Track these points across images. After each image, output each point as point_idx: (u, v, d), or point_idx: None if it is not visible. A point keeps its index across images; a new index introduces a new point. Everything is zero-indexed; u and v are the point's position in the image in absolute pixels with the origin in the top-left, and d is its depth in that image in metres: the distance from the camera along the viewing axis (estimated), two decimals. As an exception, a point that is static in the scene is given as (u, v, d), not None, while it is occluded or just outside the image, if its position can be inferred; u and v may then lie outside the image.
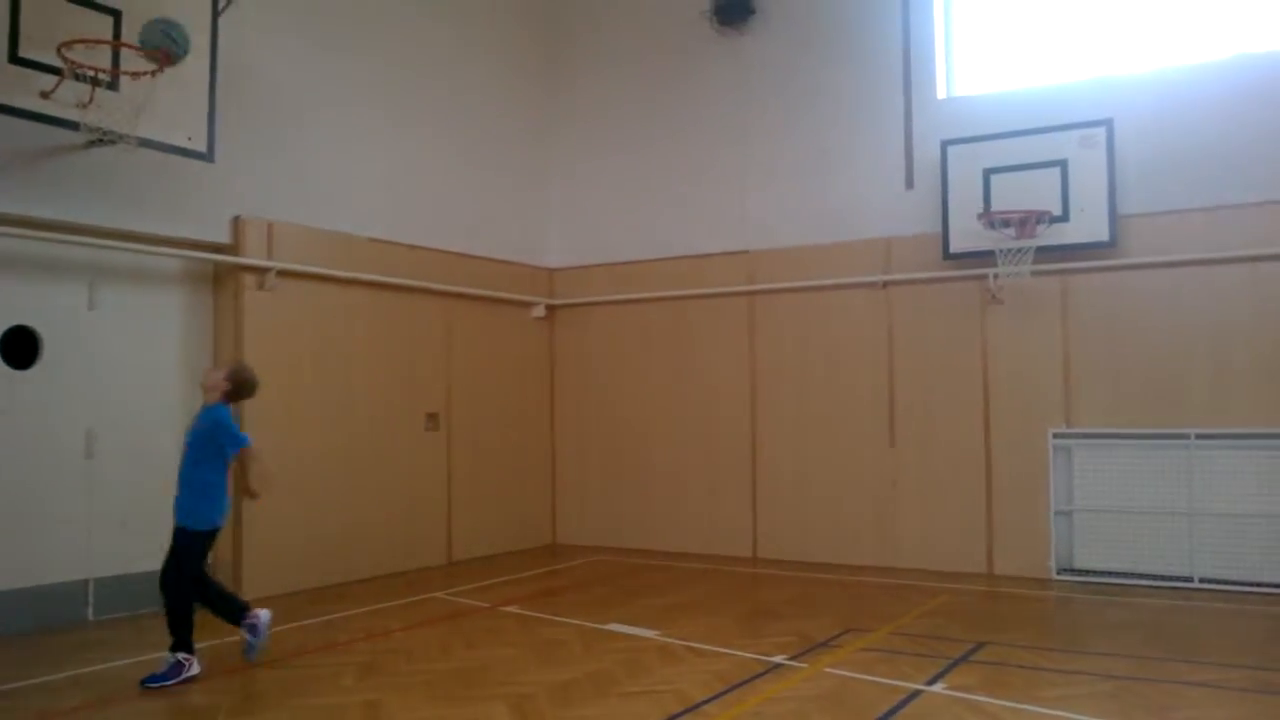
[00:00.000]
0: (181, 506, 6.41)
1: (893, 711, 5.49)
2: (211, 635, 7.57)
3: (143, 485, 8.42)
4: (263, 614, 6.62)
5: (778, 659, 6.64)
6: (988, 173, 9.73)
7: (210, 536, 6.50)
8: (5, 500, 7.54)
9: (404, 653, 6.95)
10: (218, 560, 8.84)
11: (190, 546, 6.42)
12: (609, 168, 12.39)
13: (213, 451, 6.40)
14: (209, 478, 6.40)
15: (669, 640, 7.21)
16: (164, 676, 6.15)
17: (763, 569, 10.46)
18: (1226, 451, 8.88)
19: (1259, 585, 8.63)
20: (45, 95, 7.20)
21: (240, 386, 6.60)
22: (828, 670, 6.38)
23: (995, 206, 9.59)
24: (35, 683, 6.22)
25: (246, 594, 8.66)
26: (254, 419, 8.84)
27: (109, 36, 7.34)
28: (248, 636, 6.55)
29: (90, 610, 8.03)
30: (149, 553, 8.41)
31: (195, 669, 6.25)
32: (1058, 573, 9.43)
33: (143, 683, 6.12)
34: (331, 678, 6.32)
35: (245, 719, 5.52)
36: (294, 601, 8.72)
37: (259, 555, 8.87)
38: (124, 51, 7.38)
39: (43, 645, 7.19)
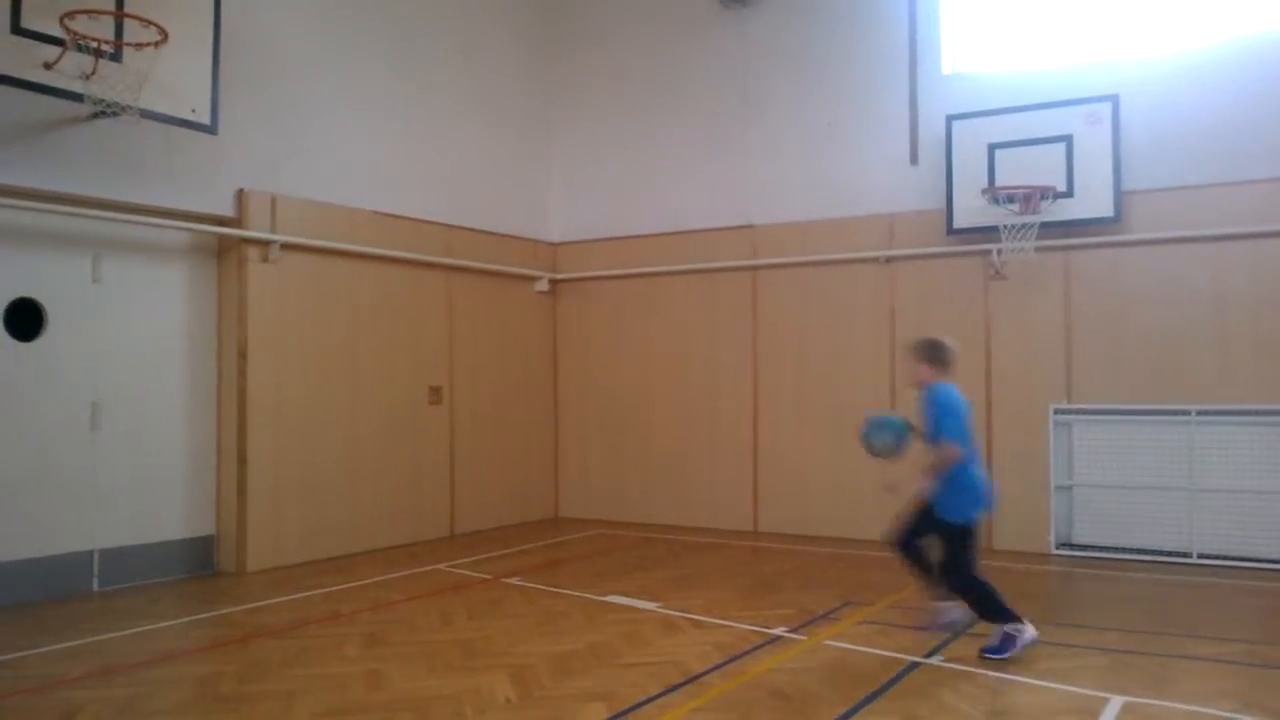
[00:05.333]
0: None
1: (891, 683, 5.54)
2: (231, 603, 7.65)
3: (147, 457, 8.48)
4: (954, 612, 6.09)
5: (777, 631, 6.69)
6: (993, 148, 9.69)
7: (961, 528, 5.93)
8: (11, 471, 7.59)
9: (407, 623, 7.00)
10: (220, 531, 8.93)
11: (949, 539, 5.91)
12: (612, 142, 12.35)
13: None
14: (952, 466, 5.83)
15: (669, 612, 7.26)
16: (998, 649, 5.84)
17: (763, 542, 10.51)
18: (1227, 428, 8.90)
19: (1258, 561, 8.67)
20: (48, 66, 7.18)
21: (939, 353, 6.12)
22: (827, 642, 6.43)
23: (1000, 182, 9.57)
24: (41, 652, 6.28)
25: (251, 565, 8.78)
26: (256, 393, 8.91)
27: (112, 7, 7.31)
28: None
29: (95, 581, 8.09)
30: (154, 524, 8.53)
31: (1028, 634, 5.86)
32: (1057, 547, 9.47)
33: (981, 651, 5.93)
34: (335, 648, 6.38)
35: (250, 687, 5.57)
36: (298, 573, 8.79)
37: (263, 528, 8.92)
38: (127, 22, 7.35)
39: (48, 615, 7.25)
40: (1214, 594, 7.90)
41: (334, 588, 8.23)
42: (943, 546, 5.98)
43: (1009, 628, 5.88)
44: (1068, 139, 9.40)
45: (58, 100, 7.35)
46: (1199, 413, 8.98)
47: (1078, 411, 9.53)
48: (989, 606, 5.93)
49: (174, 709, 5.29)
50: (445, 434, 10.90)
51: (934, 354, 6.14)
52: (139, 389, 8.44)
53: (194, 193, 8.59)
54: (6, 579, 7.49)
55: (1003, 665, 5.81)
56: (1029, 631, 5.90)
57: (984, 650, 5.92)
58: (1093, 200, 9.31)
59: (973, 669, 5.76)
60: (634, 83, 12.21)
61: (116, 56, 7.42)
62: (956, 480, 5.89)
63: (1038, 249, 9.45)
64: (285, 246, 9.14)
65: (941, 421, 5.88)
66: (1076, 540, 9.48)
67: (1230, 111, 9.02)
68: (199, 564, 8.82)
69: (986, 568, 8.95)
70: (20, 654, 6.21)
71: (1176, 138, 9.23)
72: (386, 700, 5.32)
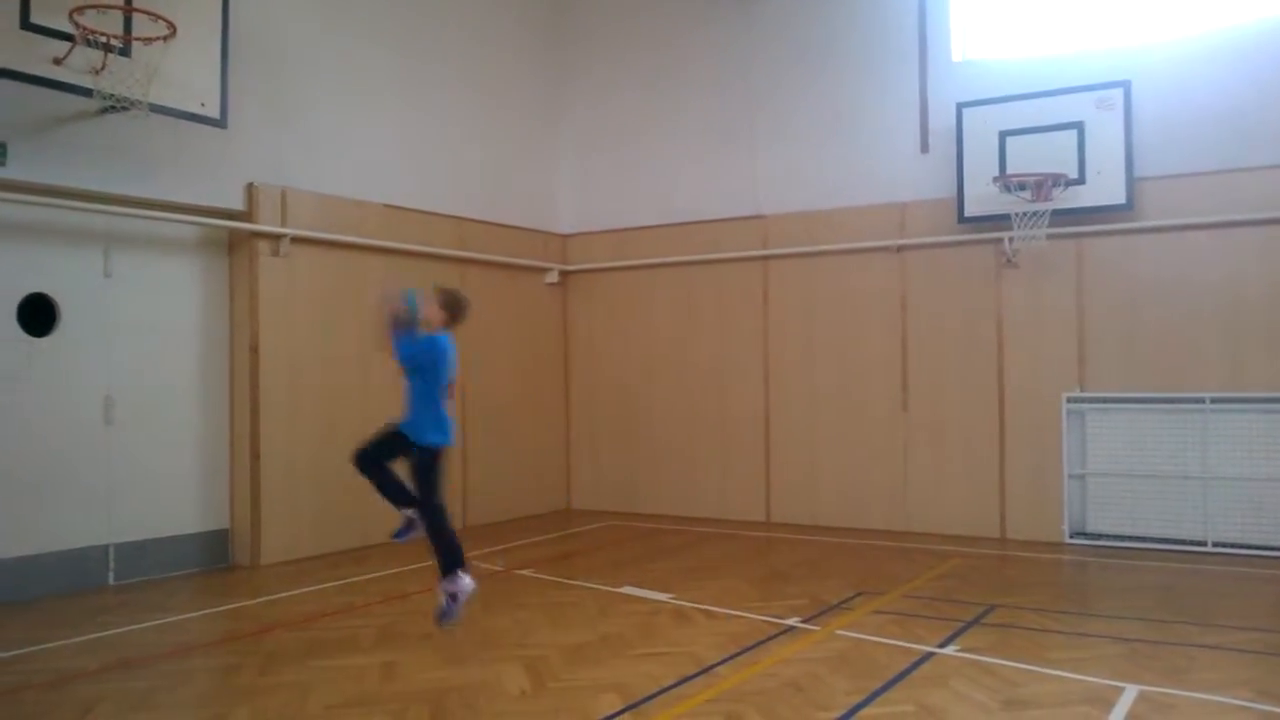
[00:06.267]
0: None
1: (905, 673, 5.53)
2: (246, 597, 7.68)
3: (161, 451, 8.51)
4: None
5: (790, 621, 6.68)
6: (1004, 135, 9.65)
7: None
8: (26, 466, 7.62)
9: (421, 615, 7.00)
10: (234, 525, 8.96)
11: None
12: (621, 134, 12.32)
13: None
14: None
15: (682, 603, 7.26)
16: (448, 613, 6.21)
17: (775, 533, 10.50)
18: (1241, 416, 8.85)
19: (1273, 550, 8.62)
20: (58, 62, 7.20)
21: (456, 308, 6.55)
22: (840, 632, 6.42)
23: (1011, 169, 9.52)
24: (57, 645, 6.31)
25: (265, 559, 8.81)
26: (268, 387, 8.94)
27: (120, 1, 7.31)
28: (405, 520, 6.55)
29: (111, 575, 8.13)
30: (169, 518, 8.56)
31: (467, 582, 6.24)
32: (1071, 536, 9.45)
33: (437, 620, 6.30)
34: (350, 639, 6.41)
35: (266, 679, 5.59)
36: (312, 566, 8.82)
37: (277, 521, 8.95)
38: (135, 16, 7.36)
39: (65, 609, 7.28)
40: (1229, 583, 7.87)
41: (348, 580, 8.26)
42: (414, 471, 6.38)
43: (449, 585, 6.18)
44: (1079, 126, 9.35)
45: (67, 95, 7.35)
46: (1213, 400, 8.93)
47: (1091, 400, 9.49)
48: (443, 538, 6.29)
49: (191, 701, 5.32)
50: (457, 426, 10.88)
51: (453, 306, 6.52)
52: (152, 384, 8.46)
53: (204, 187, 8.60)
54: (22, 574, 7.53)
55: (1016, 655, 5.80)
56: (468, 580, 6.24)
57: (440, 618, 6.20)
58: (1105, 187, 9.25)
59: (988, 659, 5.75)
60: (642, 74, 12.17)
61: (125, 51, 7.43)
62: (435, 413, 6.36)
63: (1049, 237, 9.40)
64: (296, 240, 9.16)
65: (450, 368, 6.42)
66: (1090, 529, 9.45)
67: (1244, 97, 8.95)
68: (213, 558, 8.85)
69: (1001, 558, 9.04)
70: (38, 648, 6.24)
71: (1189, 124, 9.16)
72: (401, 691, 5.34)
